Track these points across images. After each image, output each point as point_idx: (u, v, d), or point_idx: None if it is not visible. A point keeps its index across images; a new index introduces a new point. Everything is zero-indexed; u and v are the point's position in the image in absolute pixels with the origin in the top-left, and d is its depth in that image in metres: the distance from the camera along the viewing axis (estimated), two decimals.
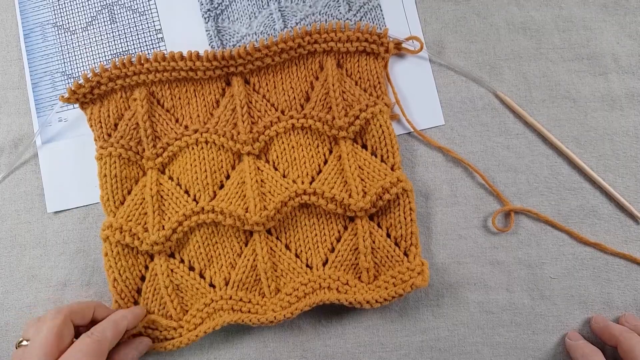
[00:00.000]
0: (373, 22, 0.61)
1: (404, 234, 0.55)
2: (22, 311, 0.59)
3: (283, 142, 0.57)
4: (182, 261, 0.56)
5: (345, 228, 0.56)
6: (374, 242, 0.55)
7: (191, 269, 0.56)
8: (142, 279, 0.56)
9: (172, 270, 0.55)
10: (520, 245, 0.58)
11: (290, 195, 0.55)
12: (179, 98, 0.58)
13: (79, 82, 0.56)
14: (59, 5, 0.62)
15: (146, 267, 0.56)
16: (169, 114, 0.58)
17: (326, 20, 0.61)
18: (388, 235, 0.55)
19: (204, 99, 0.58)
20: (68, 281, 0.59)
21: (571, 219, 0.58)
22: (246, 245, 0.56)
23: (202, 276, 0.56)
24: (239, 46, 0.59)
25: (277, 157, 0.57)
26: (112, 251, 0.55)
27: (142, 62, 0.56)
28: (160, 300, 0.56)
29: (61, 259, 0.59)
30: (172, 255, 0.56)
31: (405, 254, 0.55)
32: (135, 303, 0.56)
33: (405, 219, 0.55)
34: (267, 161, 0.58)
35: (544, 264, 0.57)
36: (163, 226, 0.55)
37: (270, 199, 0.55)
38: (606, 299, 0.57)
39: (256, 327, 0.57)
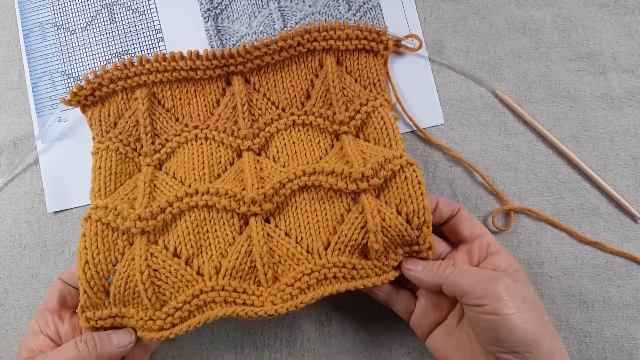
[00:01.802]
0: (372, 22, 0.61)
1: (416, 209, 0.50)
2: (22, 311, 0.59)
3: (284, 138, 0.57)
4: (166, 249, 0.51)
5: (349, 211, 0.51)
6: (383, 219, 0.50)
7: (177, 256, 0.51)
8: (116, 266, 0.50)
9: (152, 254, 0.50)
10: (520, 245, 0.58)
11: (289, 177, 0.52)
12: (180, 98, 0.58)
13: (80, 83, 0.56)
14: (58, 5, 0.62)
15: (123, 255, 0.50)
16: (170, 113, 0.58)
17: (326, 20, 0.61)
18: (399, 213, 0.51)
19: (204, 99, 0.58)
20: None
21: (571, 218, 0.58)
22: (240, 234, 0.52)
23: (188, 264, 0.51)
24: (239, 45, 0.59)
25: (278, 152, 0.56)
26: (91, 231, 0.50)
27: (142, 63, 0.56)
28: (134, 289, 0.49)
29: (61, 259, 0.59)
30: (155, 243, 0.51)
31: (417, 233, 0.50)
32: (106, 293, 0.50)
33: (415, 192, 0.50)
34: (267, 157, 0.56)
35: (544, 263, 0.57)
36: (151, 205, 0.52)
37: (268, 183, 0.53)
38: (606, 298, 0.57)
39: (256, 326, 0.57)
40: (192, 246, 0.51)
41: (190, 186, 0.53)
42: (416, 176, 0.51)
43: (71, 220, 0.60)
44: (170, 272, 0.50)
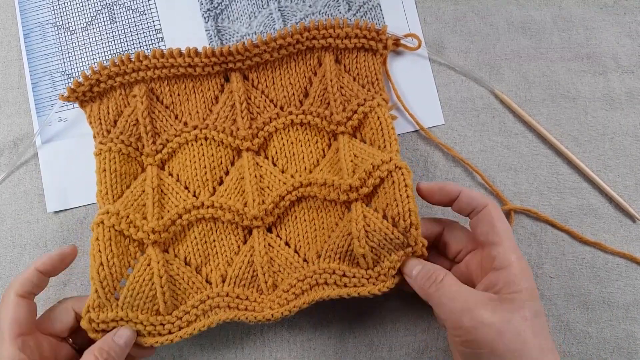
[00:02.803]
0: (372, 22, 0.61)
1: (401, 211, 0.50)
2: None
3: (282, 138, 0.57)
4: (176, 257, 0.54)
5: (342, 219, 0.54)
6: (367, 225, 0.51)
7: (187, 265, 0.54)
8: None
9: (167, 261, 0.53)
10: (520, 245, 0.58)
11: (288, 189, 0.54)
12: (178, 95, 0.58)
13: (79, 80, 0.56)
14: (58, 5, 0.62)
15: (135, 260, 0.53)
16: (169, 110, 0.58)
17: (332, 17, 0.61)
18: (385, 217, 0.51)
19: (202, 95, 0.58)
20: (68, 281, 0.59)
21: (571, 219, 0.58)
22: (245, 243, 0.55)
23: (198, 272, 0.54)
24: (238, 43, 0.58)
25: (276, 152, 0.57)
26: (104, 236, 0.51)
27: (140, 59, 0.56)
28: (148, 293, 0.51)
29: None
30: (165, 252, 0.54)
31: (405, 235, 0.50)
32: (116, 295, 0.51)
33: (400, 195, 0.50)
34: (266, 157, 0.57)
35: (544, 264, 0.57)
36: (162, 216, 0.54)
37: (268, 194, 0.55)
38: (606, 299, 0.57)
39: (255, 326, 0.57)
40: (200, 255, 0.54)
41: (195, 193, 0.56)
42: (403, 179, 0.51)
43: (71, 220, 0.60)
44: (183, 279, 0.53)
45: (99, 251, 0.51)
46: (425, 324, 0.57)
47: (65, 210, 0.60)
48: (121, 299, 0.51)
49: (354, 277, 0.52)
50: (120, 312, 0.51)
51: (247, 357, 0.57)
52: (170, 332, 0.52)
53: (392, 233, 0.50)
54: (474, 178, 0.59)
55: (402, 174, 0.51)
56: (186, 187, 0.56)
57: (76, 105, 0.59)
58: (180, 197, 0.55)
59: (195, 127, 0.57)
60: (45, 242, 0.60)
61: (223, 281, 0.54)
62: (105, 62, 0.61)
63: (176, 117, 0.58)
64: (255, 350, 0.57)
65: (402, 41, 0.60)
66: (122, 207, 0.53)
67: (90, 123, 0.57)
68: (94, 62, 0.61)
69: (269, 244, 0.54)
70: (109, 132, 0.57)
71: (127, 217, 0.52)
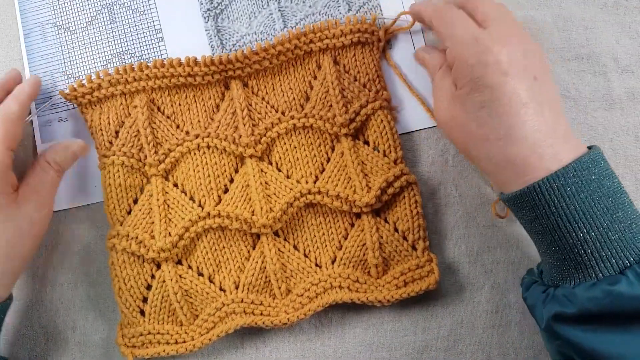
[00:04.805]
0: (364, 15, 0.61)
1: (411, 227, 0.55)
2: (21, 311, 0.59)
3: (285, 143, 0.58)
4: (190, 268, 0.56)
5: (352, 225, 0.56)
6: (381, 237, 0.55)
7: (200, 274, 0.56)
8: (148, 287, 0.56)
9: (180, 276, 0.55)
10: (521, 239, 0.58)
11: (295, 196, 0.55)
12: (179, 104, 0.58)
13: (82, 82, 0.57)
14: (58, 5, 0.62)
15: (152, 277, 0.56)
16: (170, 120, 0.58)
17: (326, 20, 0.61)
18: (396, 230, 0.56)
19: (204, 104, 0.59)
20: (68, 281, 0.59)
21: None
22: (254, 248, 0.57)
23: (211, 281, 0.56)
24: (236, 50, 0.58)
25: (280, 158, 0.58)
26: (118, 259, 0.55)
27: (142, 69, 0.57)
28: (169, 307, 0.55)
29: (61, 259, 0.59)
30: (179, 263, 0.56)
31: (414, 248, 0.55)
32: (142, 312, 0.55)
33: (411, 211, 0.55)
34: (270, 163, 0.58)
35: None
36: (170, 233, 0.55)
37: (275, 201, 0.56)
38: None
39: (255, 326, 0.58)
40: (211, 264, 0.56)
41: (200, 203, 0.56)
42: (414, 195, 0.55)
43: (71, 220, 0.60)
44: (197, 292, 0.55)
45: (116, 276, 0.55)
46: (425, 323, 0.57)
47: (65, 210, 0.60)
48: (146, 315, 0.55)
49: (365, 283, 0.55)
50: (148, 326, 0.55)
51: (247, 357, 0.57)
52: (193, 339, 0.55)
53: (402, 245, 0.54)
54: (475, 177, 0.59)
55: (413, 190, 0.55)
56: (191, 198, 0.57)
57: (76, 105, 0.59)
58: (185, 209, 0.56)
59: (197, 136, 0.57)
60: (45, 242, 0.60)
61: (236, 287, 0.56)
62: (106, 64, 0.61)
63: (178, 127, 0.58)
64: (255, 350, 0.57)
65: (394, 25, 0.59)
66: (132, 228, 0.55)
67: (92, 134, 0.58)
68: (95, 63, 0.61)
69: (279, 249, 0.56)
70: (111, 143, 0.57)
71: (137, 237, 0.55)
